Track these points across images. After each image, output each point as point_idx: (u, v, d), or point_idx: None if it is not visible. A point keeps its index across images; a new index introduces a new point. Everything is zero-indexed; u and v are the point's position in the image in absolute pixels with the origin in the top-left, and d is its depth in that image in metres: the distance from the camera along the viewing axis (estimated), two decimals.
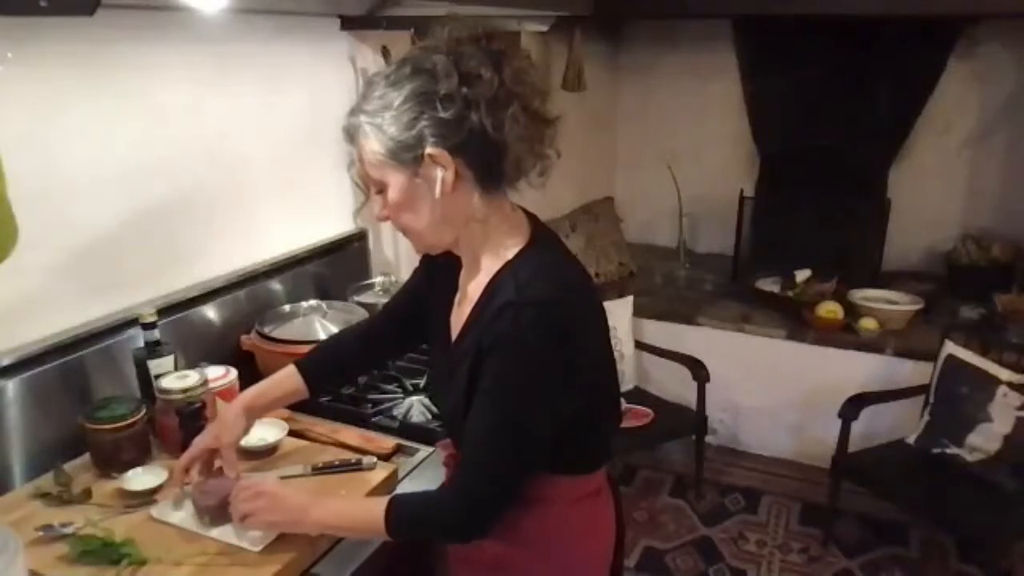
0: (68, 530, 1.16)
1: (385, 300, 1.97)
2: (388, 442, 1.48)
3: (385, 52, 2.08)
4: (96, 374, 1.45)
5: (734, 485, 3.10)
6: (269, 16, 1.82)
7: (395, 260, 2.40)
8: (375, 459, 1.37)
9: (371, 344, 1.40)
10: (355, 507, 1.17)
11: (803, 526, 2.86)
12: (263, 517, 1.13)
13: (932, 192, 3.51)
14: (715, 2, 2.98)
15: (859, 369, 2.98)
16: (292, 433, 1.46)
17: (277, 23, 1.85)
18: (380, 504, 1.09)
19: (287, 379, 1.34)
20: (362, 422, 1.57)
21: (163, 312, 1.54)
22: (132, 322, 1.50)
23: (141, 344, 1.47)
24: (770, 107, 3.65)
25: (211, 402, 1.42)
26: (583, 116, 3.60)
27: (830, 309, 3.07)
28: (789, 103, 3.57)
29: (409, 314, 1.34)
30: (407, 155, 1.02)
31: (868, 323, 3.02)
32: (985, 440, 2.48)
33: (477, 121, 1.00)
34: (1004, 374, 2.53)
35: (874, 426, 2.80)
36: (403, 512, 1.09)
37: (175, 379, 1.39)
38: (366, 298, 1.98)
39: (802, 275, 3.31)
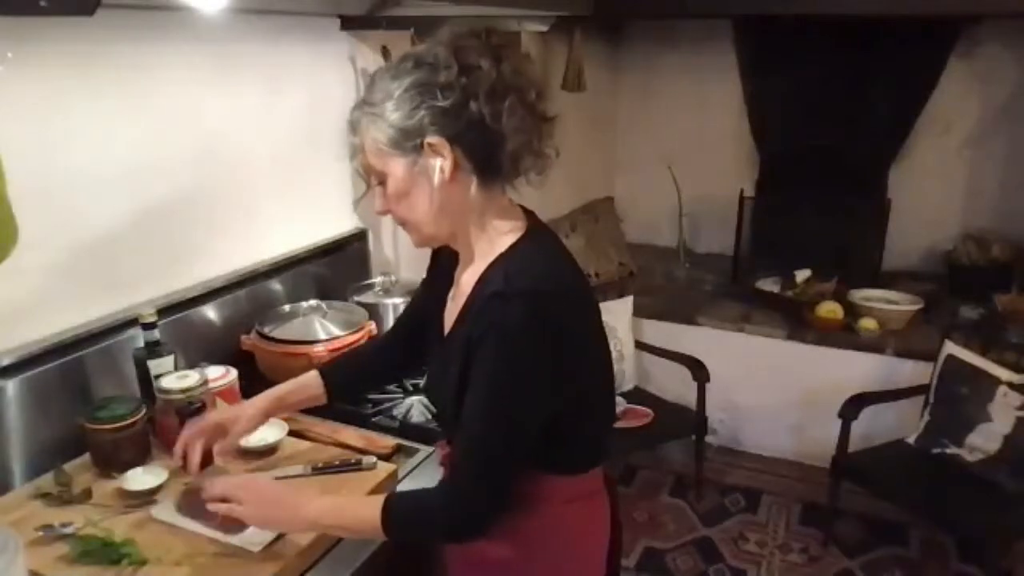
0: (68, 530, 1.16)
1: (385, 300, 1.98)
2: (388, 442, 1.48)
3: (385, 52, 2.08)
4: (96, 374, 1.45)
5: (734, 485, 3.10)
6: (269, 16, 1.82)
7: (395, 260, 2.40)
8: (375, 459, 1.37)
9: (389, 352, 1.42)
10: (351, 506, 1.16)
11: (803, 526, 2.86)
12: (250, 510, 1.11)
13: (932, 192, 3.51)
14: (715, 2, 2.98)
15: (859, 369, 2.98)
16: (292, 433, 1.46)
17: (277, 23, 1.85)
18: (376, 503, 1.09)
19: (309, 384, 1.35)
20: (362, 422, 1.58)
21: (163, 312, 1.54)
22: (132, 322, 1.50)
23: (141, 344, 1.47)
24: (770, 107, 3.65)
25: (211, 402, 1.42)
26: (583, 116, 3.59)
27: (830, 309, 3.07)
28: (789, 103, 3.57)
29: (420, 320, 1.33)
30: (407, 143, 1.04)
31: (868, 323, 3.02)
32: (985, 440, 2.48)
33: (476, 110, 1.02)
34: (1004, 374, 2.53)
35: (874, 426, 2.80)
36: (398, 511, 1.09)
37: (175, 379, 1.39)
38: (366, 298, 1.98)
39: (802, 275, 3.31)
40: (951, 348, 2.67)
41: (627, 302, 3.24)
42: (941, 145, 3.46)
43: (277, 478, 1.33)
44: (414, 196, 1.08)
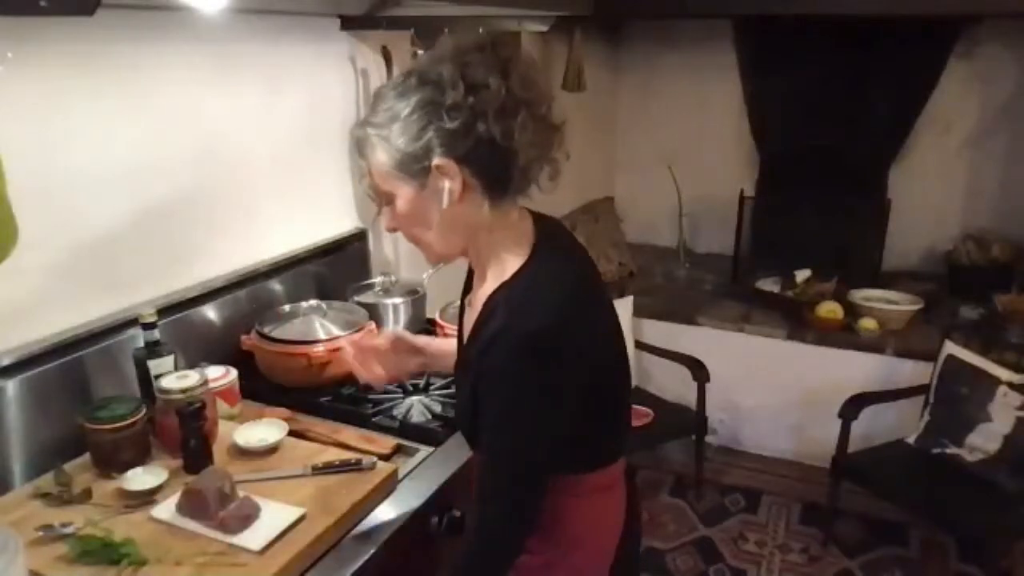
0: (68, 530, 1.16)
1: (385, 300, 1.98)
2: (388, 442, 1.48)
3: (385, 52, 2.08)
4: (96, 374, 1.45)
5: (734, 485, 3.10)
6: (269, 16, 1.82)
7: (395, 260, 2.40)
8: (375, 459, 1.37)
9: None
10: None
11: (803, 526, 2.86)
12: None
13: (932, 192, 3.51)
14: (715, 2, 2.98)
15: (859, 369, 2.99)
16: (292, 433, 1.46)
17: (277, 23, 1.85)
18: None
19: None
20: (362, 422, 1.57)
21: (163, 312, 1.54)
22: (132, 322, 1.50)
23: (141, 344, 1.47)
24: (770, 107, 3.65)
25: (211, 402, 1.42)
26: (583, 116, 3.60)
27: (830, 309, 3.07)
28: (789, 103, 3.57)
29: None
30: (415, 166, 1.03)
31: (868, 323, 3.02)
32: (985, 440, 2.48)
33: (485, 130, 0.99)
34: (1004, 374, 2.53)
35: (874, 426, 2.80)
36: (454, 569, 1.12)
37: (175, 379, 1.39)
38: (366, 298, 1.98)
39: (802, 275, 3.31)
40: (951, 348, 2.67)
41: (627, 302, 3.24)
42: (941, 145, 3.46)
43: (276, 478, 1.33)
44: (423, 217, 1.08)
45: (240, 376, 1.59)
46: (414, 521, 1.30)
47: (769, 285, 3.35)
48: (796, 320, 3.14)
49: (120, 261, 1.55)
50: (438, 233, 1.09)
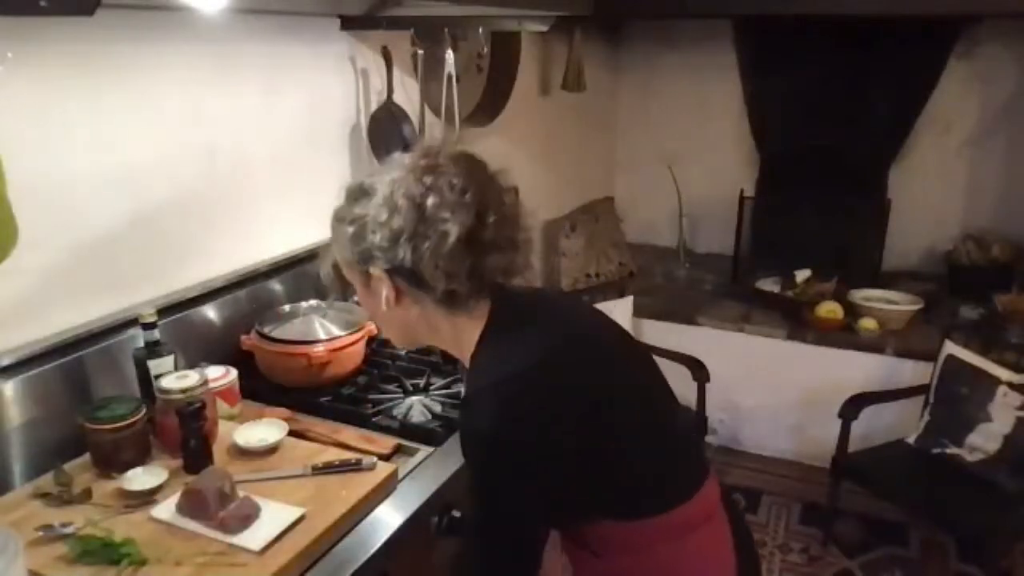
0: (68, 530, 1.16)
1: None
2: (388, 442, 1.48)
3: (385, 52, 2.08)
4: (96, 374, 1.45)
5: (734, 485, 3.10)
6: (269, 16, 1.82)
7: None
8: (375, 459, 1.37)
9: None
10: None
11: (803, 526, 2.86)
12: None
13: (932, 192, 3.51)
14: (715, 2, 2.98)
15: (859, 369, 2.98)
16: (292, 433, 1.46)
17: (277, 23, 1.85)
18: None
19: None
20: (362, 422, 1.57)
21: (163, 312, 1.54)
22: (132, 322, 1.50)
23: (141, 344, 1.46)
24: (770, 107, 3.65)
25: (211, 402, 1.42)
26: (583, 116, 3.60)
27: (830, 309, 3.07)
28: (789, 103, 3.57)
29: None
30: (358, 267, 1.10)
31: (868, 323, 3.02)
32: (985, 440, 2.48)
33: (404, 251, 1.03)
34: (1004, 374, 2.53)
35: (874, 426, 2.80)
36: None
37: (175, 379, 1.39)
38: None
39: (802, 275, 3.31)
40: (951, 348, 2.67)
41: (627, 302, 3.24)
42: (941, 145, 3.46)
43: (276, 478, 1.33)
44: (375, 313, 1.14)
45: (240, 376, 1.59)
46: (414, 521, 1.30)
47: (769, 285, 3.35)
48: (796, 320, 3.14)
49: (120, 261, 1.55)
50: (390, 327, 1.17)
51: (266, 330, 1.70)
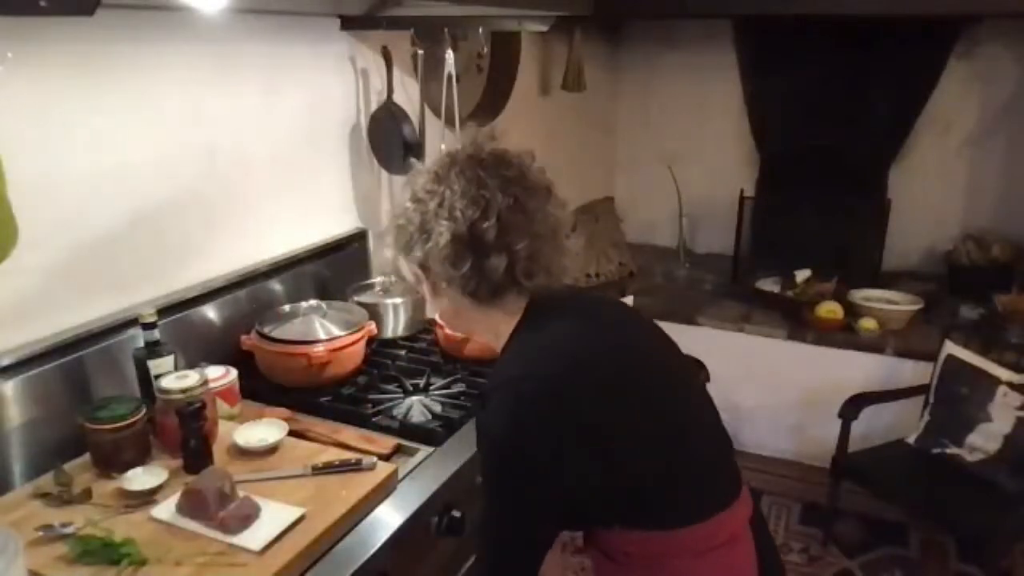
0: (68, 530, 1.16)
1: (385, 300, 1.98)
2: (388, 442, 1.48)
3: (385, 52, 2.08)
4: (96, 374, 1.45)
5: None
6: (269, 16, 1.82)
7: (395, 260, 2.39)
8: (375, 459, 1.37)
9: None
10: None
11: (803, 526, 2.86)
12: None
13: (932, 192, 3.51)
14: (715, 2, 2.98)
15: (859, 369, 2.98)
16: (292, 433, 1.46)
17: (277, 23, 1.85)
18: None
19: None
20: (362, 422, 1.57)
21: (163, 312, 1.54)
22: (132, 322, 1.50)
23: (141, 344, 1.47)
24: (770, 107, 3.65)
25: (211, 402, 1.42)
26: (583, 116, 3.60)
27: (830, 309, 3.07)
28: (789, 103, 3.57)
29: None
30: (406, 261, 1.18)
31: (868, 323, 3.02)
32: (985, 440, 2.48)
33: (436, 252, 1.09)
34: (1004, 374, 2.53)
35: (874, 426, 2.80)
36: None
37: (175, 379, 1.39)
38: (366, 298, 1.98)
39: (802, 275, 3.31)
40: (951, 348, 2.67)
41: (627, 302, 3.24)
42: (941, 145, 3.46)
43: (276, 478, 1.33)
44: (427, 302, 1.22)
45: (240, 376, 1.59)
46: (414, 521, 1.30)
47: (769, 285, 3.35)
48: (796, 320, 3.14)
49: (120, 261, 1.55)
50: (442, 316, 1.25)
51: (266, 330, 1.70)
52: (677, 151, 3.87)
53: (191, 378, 1.38)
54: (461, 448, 1.50)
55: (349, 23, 2.01)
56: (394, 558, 1.25)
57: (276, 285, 1.90)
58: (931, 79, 3.34)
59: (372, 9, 1.96)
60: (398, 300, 1.99)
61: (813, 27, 3.25)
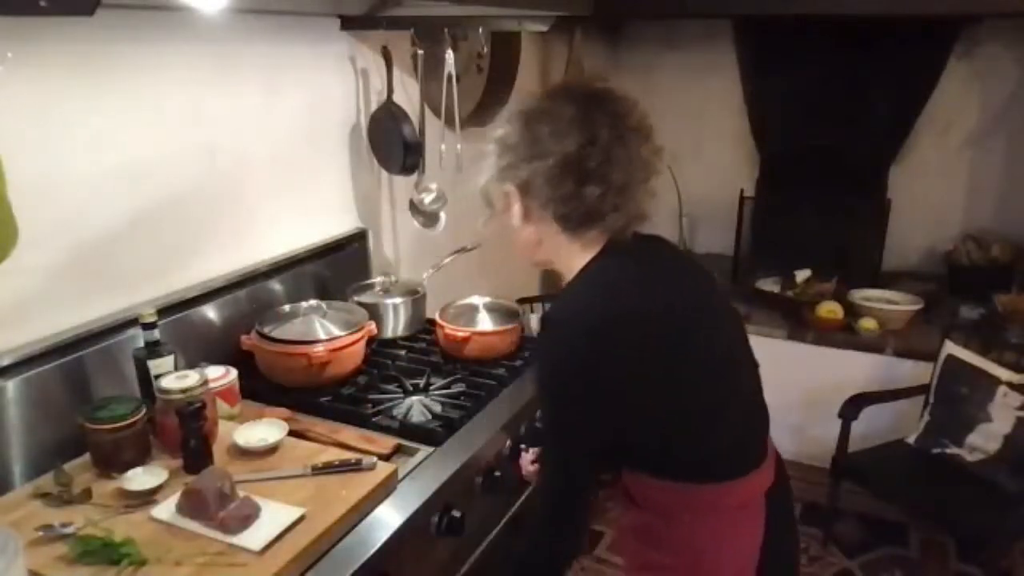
0: (68, 530, 1.16)
1: (385, 300, 1.98)
2: (388, 442, 1.48)
3: (385, 52, 2.08)
4: (96, 374, 1.45)
5: None
6: (269, 16, 1.82)
7: (395, 260, 2.40)
8: (375, 459, 1.37)
9: None
10: None
11: (803, 526, 2.86)
12: None
13: (932, 192, 3.51)
14: (715, 2, 2.98)
15: (859, 369, 2.98)
16: (292, 433, 1.46)
17: (277, 23, 1.85)
18: None
19: None
20: (362, 422, 1.57)
21: (163, 312, 1.54)
22: (132, 322, 1.50)
23: (141, 344, 1.47)
24: (770, 107, 3.65)
25: (211, 402, 1.42)
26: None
27: (830, 309, 3.07)
28: (789, 103, 3.57)
29: None
30: (498, 185, 1.24)
31: (868, 323, 3.02)
32: (985, 440, 2.48)
33: (548, 169, 1.15)
34: (1004, 374, 2.53)
35: (874, 426, 2.80)
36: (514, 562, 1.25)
37: (175, 379, 1.39)
38: (366, 298, 1.98)
39: (802, 275, 3.31)
40: (951, 348, 2.67)
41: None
42: (941, 145, 3.46)
43: (276, 478, 1.33)
44: (509, 228, 1.27)
45: (240, 376, 1.59)
46: (414, 521, 1.30)
47: (769, 285, 3.35)
48: (796, 320, 3.14)
49: (120, 261, 1.55)
50: (521, 244, 1.29)
51: (266, 330, 1.70)
52: (677, 151, 3.85)
53: (191, 378, 1.38)
54: (461, 448, 1.50)
55: (349, 23, 2.01)
56: (394, 558, 1.25)
57: (276, 285, 1.90)
58: (931, 79, 3.34)
59: (372, 9, 1.96)
60: (398, 300, 1.99)
61: (813, 27, 3.25)
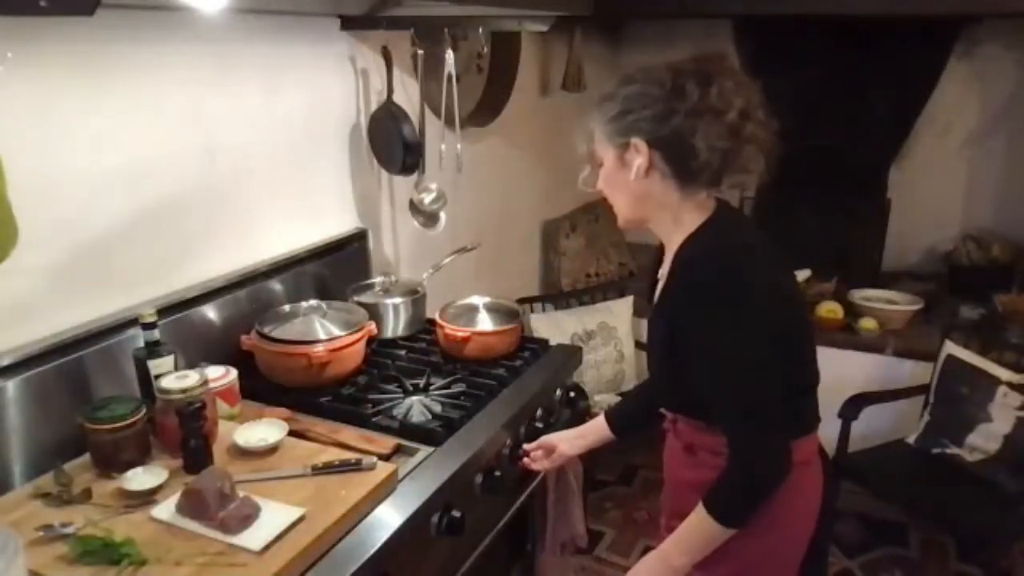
0: (68, 530, 1.16)
1: (385, 300, 1.98)
2: (388, 442, 1.48)
3: (385, 52, 2.08)
4: (96, 374, 1.45)
5: None
6: (269, 16, 1.82)
7: (395, 260, 2.40)
8: (375, 459, 1.37)
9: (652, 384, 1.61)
10: (687, 530, 1.30)
11: None
12: None
13: (932, 192, 3.51)
14: (715, 2, 2.97)
15: (859, 369, 2.98)
16: (292, 433, 1.46)
17: (277, 23, 1.85)
18: (701, 514, 1.27)
19: (602, 425, 1.65)
20: (362, 422, 1.57)
21: (163, 312, 1.54)
22: (132, 322, 1.50)
23: (141, 344, 1.47)
24: (770, 107, 3.64)
25: (211, 402, 1.42)
26: (583, 116, 3.59)
27: (830, 309, 3.07)
28: (789, 103, 3.55)
29: None
30: (617, 139, 1.28)
31: (868, 323, 3.02)
32: (985, 440, 2.48)
33: (676, 124, 1.21)
34: (1004, 374, 2.53)
35: (874, 426, 2.80)
36: (719, 500, 1.26)
37: (175, 379, 1.39)
38: (366, 298, 1.98)
39: (802, 275, 3.30)
40: (951, 348, 2.67)
41: (627, 302, 3.24)
42: (941, 145, 3.46)
43: (276, 478, 1.33)
44: (618, 183, 1.32)
45: (240, 376, 1.59)
46: (414, 521, 1.30)
47: None
48: None
49: (120, 261, 1.55)
50: (627, 199, 1.34)
51: (266, 330, 1.70)
52: None
53: (191, 378, 1.38)
54: (461, 448, 1.50)
55: (349, 23, 2.01)
56: (394, 558, 1.25)
57: (276, 285, 1.90)
58: (931, 79, 3.34)
59: (372, 9, 1.97)
60: (398, 300, 1.99)
61: (813, 27, 3.25)
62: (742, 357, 1.22)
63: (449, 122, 2.14)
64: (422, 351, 1.94)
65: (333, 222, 2.13)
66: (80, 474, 1.32)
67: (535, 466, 1.66)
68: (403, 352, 1.93)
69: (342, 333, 1.71)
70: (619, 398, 2.90)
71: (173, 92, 1.61)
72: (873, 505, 2.77)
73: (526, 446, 1.67)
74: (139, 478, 1.29)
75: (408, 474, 1.40)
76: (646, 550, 1.39)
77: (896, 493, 2.58)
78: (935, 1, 2.74)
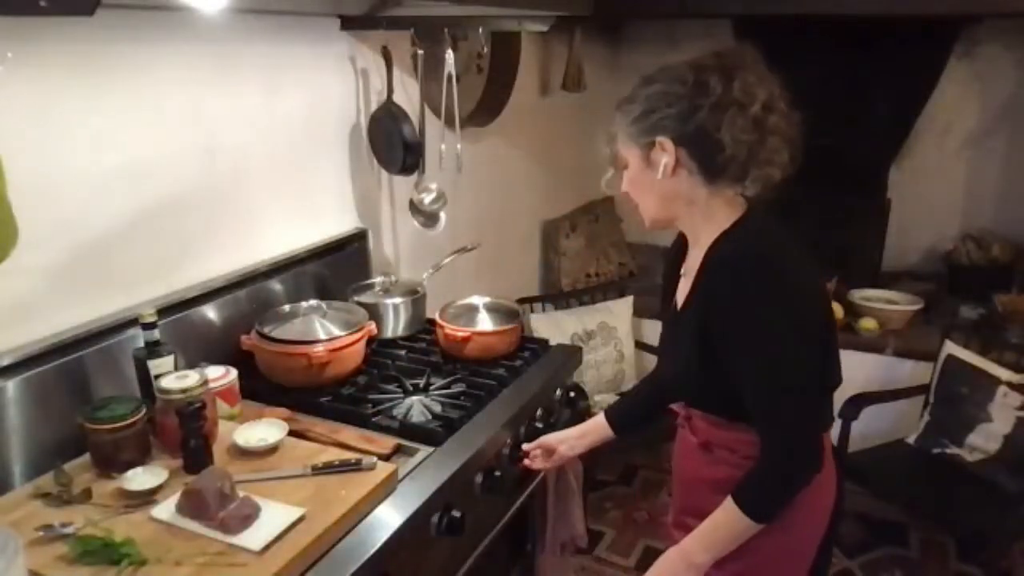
0: (68, 530, 1.16)
1: (385, 300, 1.98)
2: (388, 442, 1.48)
3: (385, 52, 2.08)
4: (96, 374, 1.45)
5: None
6: (269, 16, 1.82)
7: (395, 260, 2.40)
8: (375, 459, 1.37)
9: (659, 383, 1.60)
10: (713, 525, 1.30)
11: None
12: None
13: (932, 192, 3.51)
14: (715, 2, 2.97)
15: (859, 369, 2.98)
16: (292, 433, 1.46)
17: (277, 23, 1.85)
18: (730, 508, 1.26)
19: (602, 424, 1.64)
20: (362, 422, 1.57)
21: (163, 312, 1.54)
22: (132, 322, 1.50)
23: (141, 344, 1.47)
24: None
25: (211, 402, 1.42)
26: (583, 116, 3.59)
27: None
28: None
29: None
30: (642, 139, 1.28)
31: (868, 323, 3.02)
32: (985, 440, 2.49)
33: (701, 119, 1.21)
34: (1004, 374, 2.53)
35: (874, 426, 2.80)
36: (749, 495, 1.26)
37: (175, 379, 1.39)
38: (366, 298, 1.98)
39: None
40: (951, 348, 2.67)
41: (627, 302, 3.24)
42: (941, 145, 3.46)
43: (276, 478, 1.33)
44: (644, 184, 1.32)
45: (240, 376, 1.59)
46: (414, 521, 1.30)
47: None
48: None
49: (120, 261, 1.55)
50: (654, 200, 1.33)
51: (266, 330, 1.70)
52: None
53: (191, 378, 1.38)
54: (461, 448, 1.50)
55: (349, 23, 2.02)
56: (394, 558, 1.25)
57: (276, 285, 1.90)
58: (931, 79, 3.34)
59: (372, 9, 1.97)
60: (398, 300, 1.99)
61: (813, 27, 3.24)
62: (789, 357, 1.22)
63: (449, 122, 2.14)
64: (422, 351, 1.94)
65: (333, 222, 2.13)
66: (80, 474, 1.32)
67: (535, 465, 1.66)
68: (403, 352, 1.93)
69: (342, 333, 1.71)
70: (619, 398, 2.90)
71: (173, 92, 1.61)
72: (873, 505, 2.77)
73: (525, 446, 1.67)
74: (139, 478, 1.29)
75: (408, 474, 1.40)
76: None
77: (896, 493, 2.58)
78: (935, 1, 2.74)
